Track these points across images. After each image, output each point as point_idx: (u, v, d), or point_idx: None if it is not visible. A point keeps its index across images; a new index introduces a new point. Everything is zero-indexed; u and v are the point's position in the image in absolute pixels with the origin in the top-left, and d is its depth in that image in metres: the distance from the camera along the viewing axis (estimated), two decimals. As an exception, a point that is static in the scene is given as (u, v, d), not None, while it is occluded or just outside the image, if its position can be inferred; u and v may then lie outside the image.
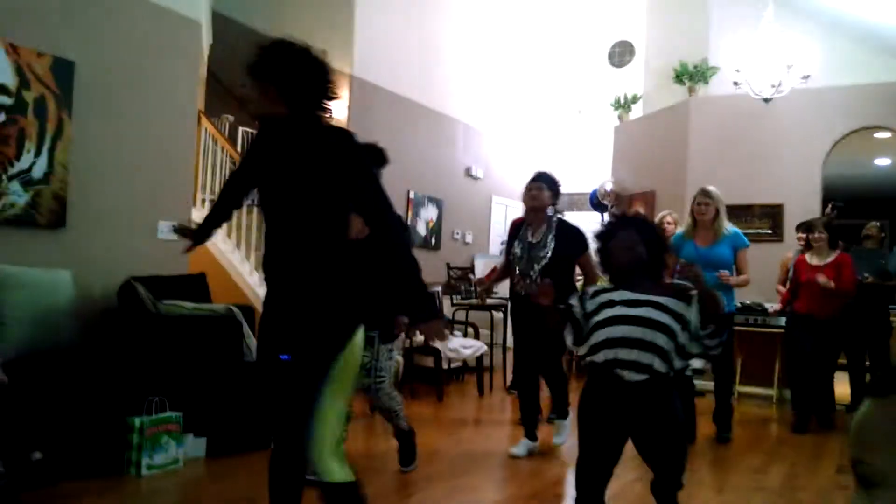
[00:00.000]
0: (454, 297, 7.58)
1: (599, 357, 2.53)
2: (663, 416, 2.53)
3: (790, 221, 6.83)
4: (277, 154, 2.11)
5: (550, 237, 4.11)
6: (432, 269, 7.90)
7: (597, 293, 2.69)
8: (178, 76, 4.72)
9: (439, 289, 7.06)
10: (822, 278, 5.06)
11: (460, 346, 6.19)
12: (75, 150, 4.08)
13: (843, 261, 5.30)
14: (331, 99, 2.15)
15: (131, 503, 3.14)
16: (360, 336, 2.08)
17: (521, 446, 4.18)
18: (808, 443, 4.84)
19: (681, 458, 2.63)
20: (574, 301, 2.71)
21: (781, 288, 5.89)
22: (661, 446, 2.58)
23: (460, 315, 7.23)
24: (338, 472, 1.98)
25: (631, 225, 2.73)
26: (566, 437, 4.31)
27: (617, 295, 2.62)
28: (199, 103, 6.13)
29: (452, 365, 6.37)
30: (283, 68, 2.07)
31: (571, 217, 4.77)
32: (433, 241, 8.37)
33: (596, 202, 8.87)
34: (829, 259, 5.29)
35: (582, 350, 2.67)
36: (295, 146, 2.08)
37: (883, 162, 9.67)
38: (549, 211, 4.22)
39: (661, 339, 2.47)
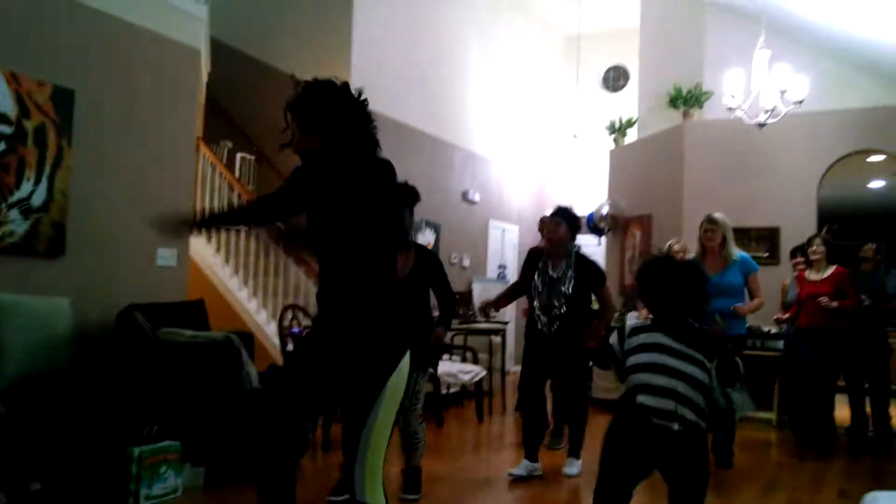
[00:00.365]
0: (452, 321, 7.57)
1: (638, 400, 2.59)
2: (691, 466, 2.61)
3: (787, 244, 6.86)
4: (328, 188, 2.14)
5: (570, 272, 4.21)
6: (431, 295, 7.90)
7: (635, 332, 2.73)
8: (178, 104, 4.76)
9: (436, 315, 7.04)
10: (824, 300, 5.11)
11: (459, 371, 6.17)
12: (74, 178, 4.10)
13: (842, 274, 5.35)
14: (371, 132, 2.25)
15: (129, 534, 3.11)
16: (406, 360, 2.14)
17: (522, 468, 4.21)
18: (809, 468, 4.82)
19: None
20: (614, 341, 2.77)
21: (781, 315, 5.88)
22: (685, 492, 2.63)
23: (459, 339, 7.21)
24: (382, 497, 2.10)
25: (678, 268, 2.77)
26: (578, 471, 4.29)
27: (654, 338, 2.67)
28: (198, 130, 6.15)
29: (451, 390, 6.35)
30: (325, 107, 2.18)
31: None
32: (431, 265, 8.38)
33: (593, 225, 8.89)
34: (828, 273, 5.35)
35: (620, 388, 2.73)
36: (344, 180, 2.13)
37: (877, 184, 9.75)
38: (570, 246, 4.30)
39: (696, 396, 2.56)
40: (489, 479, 4.22)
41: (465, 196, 9.19)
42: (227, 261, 6.59)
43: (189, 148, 4.89)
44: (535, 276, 4.29)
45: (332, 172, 2.14)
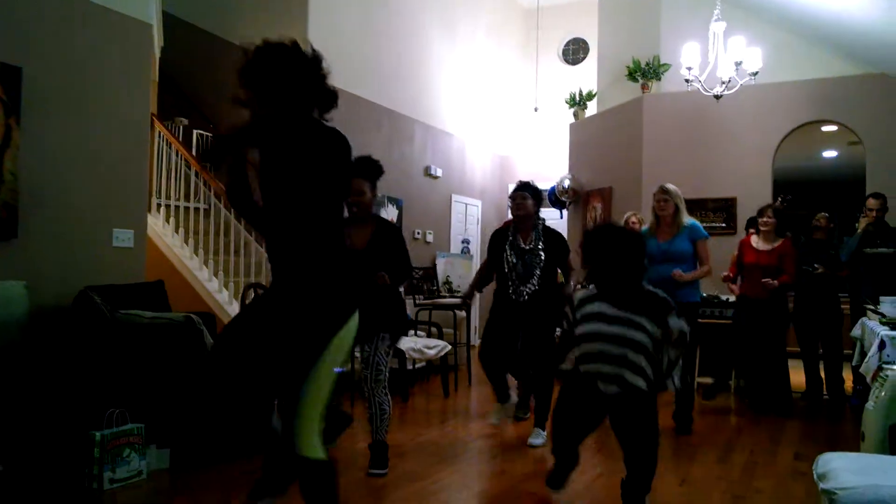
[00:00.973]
0: (417, 297, 7.58)
1: (582, 368, 2.81)
2: (639, 426, 2.82)
3: (743, 214, 6.99)
4: (280, 151, 2.16)
5: (540, 243, 4.40)
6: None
7: (582, 303, 2.92)
8: (129, 79, 4.63)
9: (402, 289, 7.05)
10: (768, 281, 5.27)
11: (424, 347, 6.20)
12: (25, 158, 3.98)
13: (787, 249, 5.49)
14: (328, 96, 2.27)
15: (93, 518, 3.08)
16: (354, 321, 2.19)
17: (497, 413, 4.53)
18: (765, 431, 4.96)
19: (652, 463, 2.89)
20: (569, 314, 2.96)
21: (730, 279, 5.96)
22: (636, 451, 2.84)
23: (423, 315, 7.23)
24: (319, 450, 2.09)
25: (615, 235, 2.93)
26: (543, 441, 4.37)
27: (598, 307, 2.85)
28: (152, 106, 6.01)
29: (417, 365, 6.38)
30: (274, 71, 2.16)
31: None
32: (394, 241, 8.36)
33: (554, 199, 8.95)
34: (775, 244, 5.49)
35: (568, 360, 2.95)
36: (296, 143, 2.15)
37: (830, 154, 9.96)
38: (537, 219, 4.48)
39: (638, 358, 2.74)
40: (456, 452, 4.26)
41: (426, 171, 9.16)
42: (186, 241, 6.49)
43: (143, 125, 4.78)
44: (507, 251, 4.43)
45: (285, 138, 2.16)
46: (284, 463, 2.37)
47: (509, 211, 4.69)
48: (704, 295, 6.29)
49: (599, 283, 2.92)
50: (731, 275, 5.69)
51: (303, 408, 2.08)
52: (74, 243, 4.23)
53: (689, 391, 4.85)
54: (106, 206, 4.41)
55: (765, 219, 5.58)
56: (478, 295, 5.08)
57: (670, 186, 4.83)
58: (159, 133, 6.66)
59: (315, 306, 2.15)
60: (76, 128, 4.26)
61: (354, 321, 2.20)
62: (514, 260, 4.40)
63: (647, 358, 2.78)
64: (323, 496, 2.15)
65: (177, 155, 6.81)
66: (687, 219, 4.80)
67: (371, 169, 3.72)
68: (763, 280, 5.31)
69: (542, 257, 4.38)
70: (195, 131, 7.76)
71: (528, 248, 4.40)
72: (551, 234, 4.52)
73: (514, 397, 4.58)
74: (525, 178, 4.78)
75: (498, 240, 4.54)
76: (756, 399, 5.71)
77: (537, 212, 4.49)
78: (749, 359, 5.73)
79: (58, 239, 4.14)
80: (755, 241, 5.63)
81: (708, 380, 6.35)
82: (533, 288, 4.35)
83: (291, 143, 2.16)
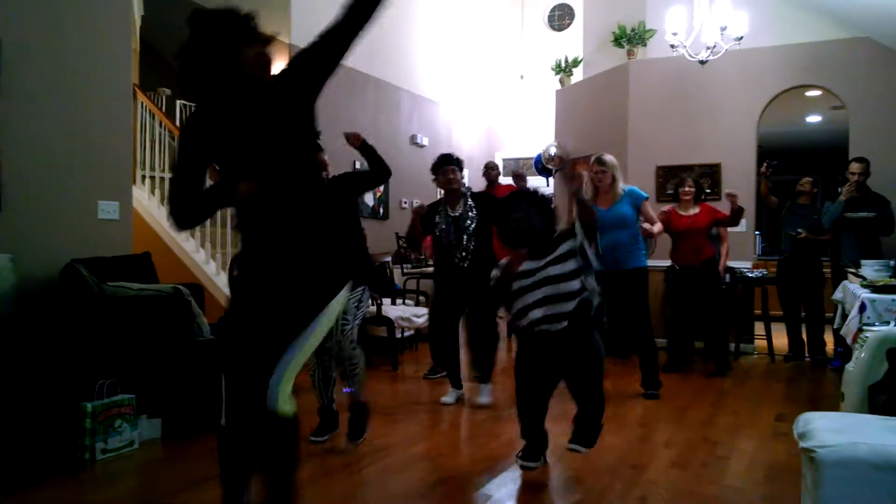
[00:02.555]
0: (405, 266, 7.61)
1: (522, 323, 3.06)
2: (585, 352, 3.07)
3: (728, 180, 7.03)
4: (231, 119, 2.10)
5: (470, 206, 4.57)
6: (382, 238, 7.89)
7: (508, 265, 3.12)
8: (109, 49, 4.56)
9: (390, 258, 7.08)
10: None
11: (412, 315, 6.24)
12: (6, 131, 3.93)
13: (708, 208, 5.79)
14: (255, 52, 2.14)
15: (86, 488, 3.11)
16: (346, 290, 2.20)
17: (451, 395, 4.71)
18: (749, 394, 5.06)
19: (600, 391, 3.16)
20: (496, 273, 3.18)
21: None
22: (586, 379, 3.11)
23: (411, 284, 7.26)
24: (290, 408, 2.11)
25: (525, 199, 3.14)
26: (489, 398, 4.63)
27: (523, 265, 3.08)
28: (134, 77, 5.94)
29: (406, 334, 6.42)
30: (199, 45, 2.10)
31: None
32: (381, 211, 8.35)
33: (541, 167, 8.95)
34: (695, 211, 5.75)
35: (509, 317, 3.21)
36: (245, 106, 2.10)
37: (814, 119, 10.01)
38: (464, 189, 4.67)
39: (570, 286, 2.99)
40: (445, 419, 4.32)
41: (413, 140, 9.12)
42: (172, 212, 6.46)
43: (125, 95, 4.72)
44: (437, 220, 4.63)
45: (231, 104, 2.10)
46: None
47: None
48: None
49: (513, 243, 3.13)
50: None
51: (285, 368, 2.08)
52: (60, 216, 4.20)
53: (650, 353, 4.94)
54: (90, 178, 4.38)
55: (685, 188, 5.80)
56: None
57: (607, 157, 4.94)
58: (142, 104, 6.60)
59: (311, 274, 2.14)
60: (57, 99, 4.21)
61: (346, 290, 2.21)
62: (445, 227, 4.59)
63: (573, 280, 3.00)
64: (290, 453, 2.17)
65: (161, 126, 6.75)
66: (624, 185, 4.93)
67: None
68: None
69: (473, 221, 4.53)
70: (178, 101, 7.68)
71: (456, 214, 4.58)
72: (480, 196, 4.70)
73: (463, 391, 4.80)
74: (510, 146, 4.91)
75: (430, 214, 4.70)
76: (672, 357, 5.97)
77: (462, 183, 4.68)
78: (682, 324, 5.98)
79: (43, 212, 4.11)
80: (679, 209, 5.82)
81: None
82: (468, 253, 4.52)
83: (245, 110, 2.10)
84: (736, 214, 5.62)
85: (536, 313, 3.02)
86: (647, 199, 4.94)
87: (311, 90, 2.12)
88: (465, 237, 4.53)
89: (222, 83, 2.08)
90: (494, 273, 3.18)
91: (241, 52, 2.08)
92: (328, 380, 3.78)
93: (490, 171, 7.17)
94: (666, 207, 5.97)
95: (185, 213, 2.09)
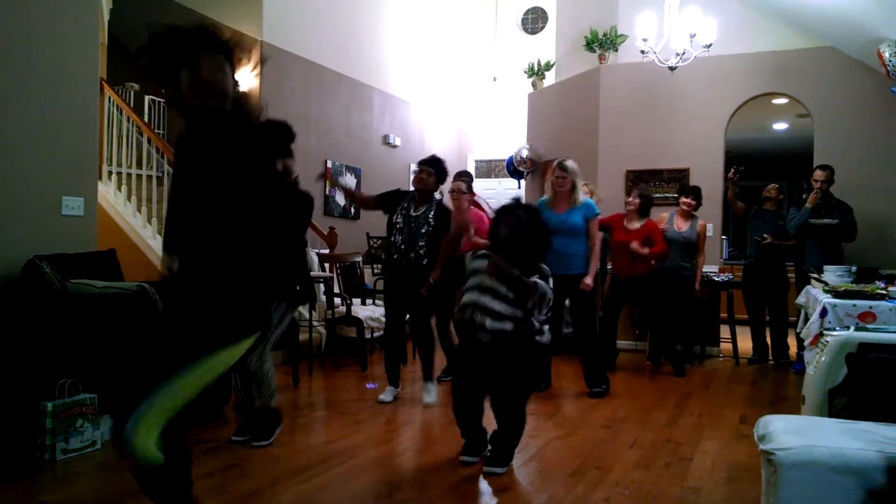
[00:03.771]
0: (375, 266, 7.59)
1: (457, 316, 3.23)
2: (507, 372, 3.17)
3: (696, 184, 7.11)
4: (193, 147, 2.06)
5: (431, 215, 4.61)
6: (353, 238, 7.87)
7: (471, 261, 3.28)
8: (76, 43, 4.48)
9: (360, 259, 7.05)
10: (635, 245, 5.61)
11: (382, 316, 6.21)
12: (-33, 124, 3.85)
13: (653, 227, 5.81)
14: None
15: (45, 488, 3.05)
16: (250, 342, 2.03)
17: (388, 393, 4.77)
18: (713, 396, 5.13)
19: (518, 414, 3.27)
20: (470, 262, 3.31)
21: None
22: (504, 399, 3.21)
23: (381, 285, 7.23)
24: (148, 452, 1.86)
25: (529, 212, 3.28)
26: (435, 397, 4.68)
27: (479, 264, 3.22)
28: (101, 71, 5.85)
29: (375, 335, 6.40)
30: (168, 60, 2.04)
31: (489, 184, 4.98)
32: (352, 210, 8.32)
33: (513, 169, 8.99)
34: (642, 223, 5.78)
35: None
36: (205, 137, 2.04)
37: (780, 126, 10.18)
38: (437, 195, 4.76)
39: (499, 305, 3.11)
40: (412, 420, 4.32)
41: (385, 140, 9.11)
42: (138, 209, 6.38)
43: (92, 90, 4.64)
44: (397, 214, 4.68)
45: (197, 131, 2.06)
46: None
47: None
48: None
49: (499, 249, 3.23)
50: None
51: (151, 404, 1.86)
52: (22, 211, 4.11)
53: (590, 353, 5.09)
54: (54, 173, 4.29)
55: (631, 198, 5.86)
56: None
57: (569, 164, 5.03)
58: (109, 98, 6.49)
59: (223, 308, 1.98)
60: (22, 93, 4.12)
61: (248, 344, 2.02)
62: (401, 223, 4.65)
63: (511, 305, 3.12)
64: (167, 496, 1.99)
65: (128, 121, 6.66)
66: (583, 197, 5.05)
67: (283, 135, 3.34)
68: (632, 244, 5.64)
69: (429, 225, 4.59)
70: (147, 97, 7.57)
71: (415, 215, 4.63)
72: (443, 209, 4.73)
73: (399, 390, 4.88)
74: (482, 148, 4.94)
75: (397, 197, 4.78)
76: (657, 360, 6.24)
77: (436, 189, 4.74)
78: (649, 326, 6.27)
79: (5, 207, 4.02)
80: (627, 221, 5.85)
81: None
82: (415, 253, 4.58)
83: (215, 139, 2.02)
84: (660, 256, 5.75)
85: (471, 314, 3.15)
86: (598, 214, 5.09)
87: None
88: (418, 240, 4.59)
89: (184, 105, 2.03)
90: (468, 260, 3.29)
91: (184, 70, 2.01)
92: (247, 377, 3.66)
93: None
94: (619, 214, 5.99)
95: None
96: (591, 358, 5.08)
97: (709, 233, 6.77)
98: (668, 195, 7.17)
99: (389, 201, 4.80)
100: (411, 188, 4.89)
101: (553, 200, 5.03)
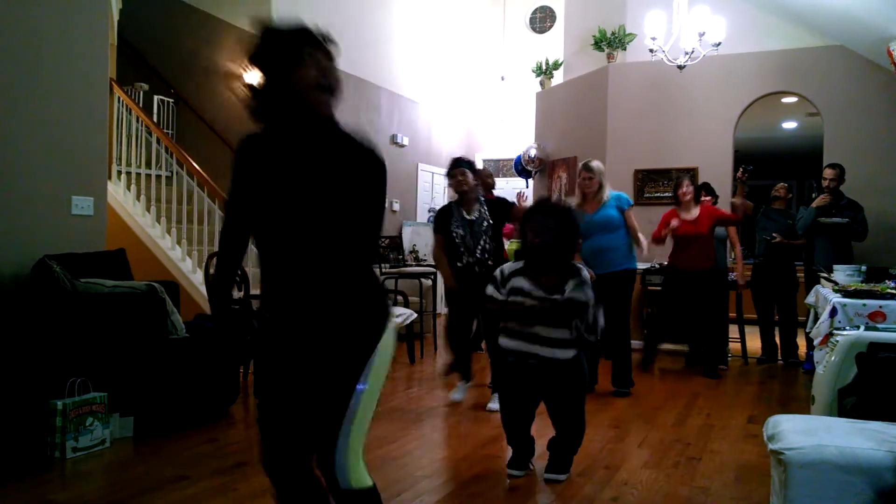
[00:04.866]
0: (383, 265, 7.60)
1: (509, 345, 3.11)
2: (561, 392, 3.10)
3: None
4: (294, 162, 1.79)
5: (485, 211, 4.59)
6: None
7: (509, 277, 3.15)
8: (87, 43, 4.51)
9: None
10: (674, 222, 5.53)
11: (398, 316, 6.21)
12: (-22, 124, 3.87)
13: (710, 209, 5.74)
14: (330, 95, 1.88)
15: (56, 487, 3.07)
16: (391, 329, 1.88)
17: (460, 391, 4.75)
18: (722, 396, 5.11)
19: (579, 427, 3.19)
20: (492, 291, 3.17)
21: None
22: (562, 406, 3.13)
23: (389, 284, 7.24)
24: (367, 477, 1.85)
25: (556, 213, 3.09)
26: (462, 395, 4.75)
27: (519, 282, 3.10)
28: (111, 71, 5.88)
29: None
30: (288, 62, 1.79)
31: (497, 183, 4.99)
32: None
33: (521, 168, 8.98)
34: (697, 212, 5.67)
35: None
36: (317, 153, 1.80)
37: (790, 125, 10.13)
38: (477, 191, 4.68)
39: (549, 332, 3.02)
40: (422, 419, 4.32)
41: (393, 140, 9.12)
42: (147, 209, 6.40)
43: (102, 90, 4.67)
44: (453, 224, 4.60)
45: (312, 149, 1.81)
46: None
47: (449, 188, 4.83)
48: (662, 264, 6.39)
49: (528, 258, 3.11)
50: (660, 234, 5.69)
51: (348, 437, 1.79)
52: (33, 211, 4.14)
53: (624, 353, 5.05)
54: (64, 173, 4.32)
55: (683, 189, 5.69)
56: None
57: (594, 164, 5.00)
58: (119, 98, 6.52)
59: (343, 326, 1.80)
60: (33, 94, 4.15)
61: (390, 335, 1.87)
62: (463, 232, 4.58)
63: (562, 328, 3.03)
64: None
65: (137, 121, 6.69)
66: (610, 191, 5.01)
67: None
68: (672, 220, 5.54)
69: (488, 224, 4.57)
70: (156, 97, 7.61)
71: (473, 218, 4.58)
72: (493, 200, 4.74)
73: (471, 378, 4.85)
74: (490, 147, 4.93)
75: (444, 216, 4.68)
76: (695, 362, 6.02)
77: (477, 184, 4.70)
78: (691, 326, 5.97)
79: (15, 207, 4.05)
80: (680, 212, 5.73)
81: (666, 345, 6.49)
82: (484, 256, 4.53)
83: (322, 158, 1.79)
84: (742, 214, 5.70)
85: (513, 344, 3.10)
86: (632, 205, 5.03)
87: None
88: (483, 239, 4.55)
89: (283, 109, 1.80)
90: (506, 274, 3.17)
91: (297, 75, 1.78)
92: None
93: (486, 178, 7.16)
94: (667, 211, 5.85)
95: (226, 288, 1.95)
96: (623, 358, 5.01)
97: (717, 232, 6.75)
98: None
99: (443, 221, 4.67)
100: (445, 199, 4.90)
101: (582, 203, 4.99)
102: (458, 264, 4.59)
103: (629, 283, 5.01)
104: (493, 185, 6.91)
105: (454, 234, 4.59)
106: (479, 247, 4.55)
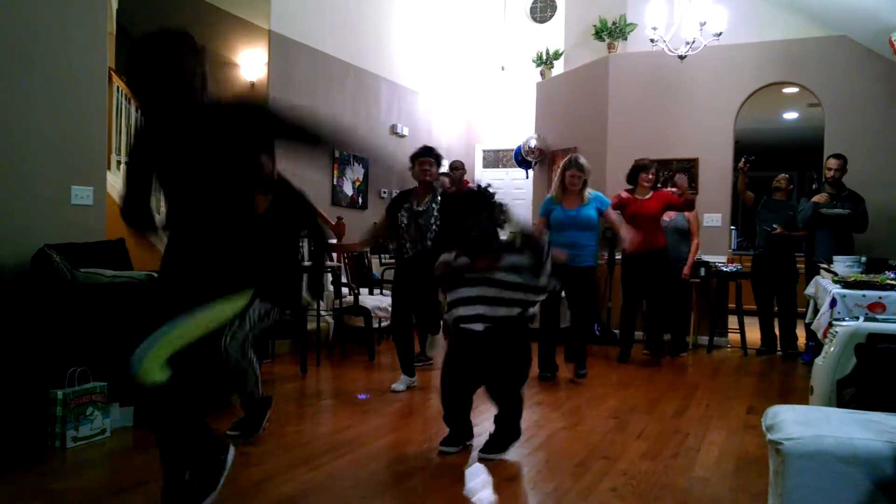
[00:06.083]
0: (382, 256, 7.59)
1: (450, 316, 3.26)
2: (506, 357, 3.21)
3: (705, 175, 7.09)
4: (178, 134, 2.30)
5: (434, 205, 4.62)
6: (360, 228, 7.87)
7: (455, 259, 3.28)
8: (84, 31, 4.49)
9: (367, 249, 7.06)
10: (680, 177, 5.88)
11: (389, 306, 6.22)
12: (-24, 113, 3.86)
13: (665, 194, 5.86)
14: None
15: (56, 476, 3.08)
16: (246, 298, 2.36)
17: (402, 382, 4.79)
18: (721, 386, 5.12)
19: (516, 399, 3.29)
20: (444, 257, 3.34)
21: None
22: (502, 384, 3.26)
23: (389, 274, 7.24)
24: (157, 375, 2.18)
25: (476, 202, 3.25)
26: (404, 387, 4.79)
27: (465, 261, 3.22)
28: (110, 61, 5.85)
29: (383, 324, 6.42)
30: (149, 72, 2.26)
31: (497, 174, 5.00)
32: (360, 200, 8.32)
33: (521, 159, 8.96)
34: (652, 194, 5.82)
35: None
36: (193, 124, 2.28)
37: (791, 116, 10.11)
38: (436, 184, 4.76)
39: (512, 294, 3.14)
40: (420, 408, 4.33)
41: (393, 130, 9.09)
42: (147, 198, 6.38)
43: (100, 79, 4.65)
44: (401, 214, 4.70)
45: (185, 123, 2.29)
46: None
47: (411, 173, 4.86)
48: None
49: (473, 250, 3.24)
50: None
51: (157, 338, 2.17)
52: (32, 201, 4.13)
53: (582, 337, 5.21)
54: (63, 163, 4.31)
55: (650, 175, 5.83)
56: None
57: (583, 162, 5.08)
58: (118, 87, 6.50)
59: (223, 263, 2.30)
60: (31, 82, 4.14)
61: (244, 299, 2.34)
62: (406, 221, 4.67)
63: (520, 290, 3.15)
64: (162, 418, 2.30)
65: (136, 110, 6.66)
66: (590, 191, 5.13)
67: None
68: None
69: (436, 221, 4.59)
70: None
71: (421, 209, 4.65)
72: (447, 196, 4.71)
73: (416, 379, 4.90)
74: (490, 138, 4.97)
75: (397, 201, 4.80)
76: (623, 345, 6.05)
77: (437, 178, 4.79)
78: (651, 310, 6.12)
79: (15, 196, 4.04)
80: (637, 194, 5.85)
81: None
82: (424, 245, 4.60)
83: (194, 127, 2.27)
84: (688, 201, 5.73)
85: (462, 310, 3.19)
86: (609, 206, 5.21)
87: (255, 142, 2.40)
88: (427, 235, 4.61)
89: (169, 100, 2.27)
90: (445, 260, 3.31)
91: (187, 70, 2.27)
92: (240, 373, 3.57)
93: (454, 170, 7.16)
94: (623, 192, 5.91)
95: (136, 218, 2.56)
96: (580, 337, 5.19)
97: (717, 223, 6.76)
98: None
99: (396, 209, 4.80)
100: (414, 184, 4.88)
101: (561, 197, 5.10)
102: (405, 255, 4.70)
103: (591, 278, 5.18)
104: (462, 177, 6.98)
105: (399, 221, 4.71)
106: (423, 242, 4.61)
